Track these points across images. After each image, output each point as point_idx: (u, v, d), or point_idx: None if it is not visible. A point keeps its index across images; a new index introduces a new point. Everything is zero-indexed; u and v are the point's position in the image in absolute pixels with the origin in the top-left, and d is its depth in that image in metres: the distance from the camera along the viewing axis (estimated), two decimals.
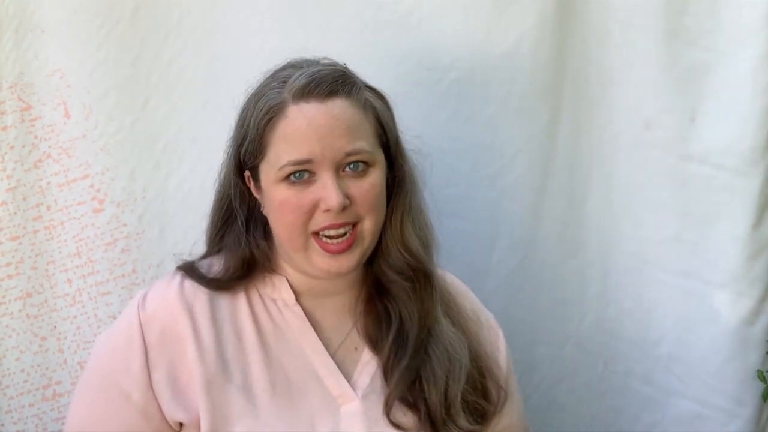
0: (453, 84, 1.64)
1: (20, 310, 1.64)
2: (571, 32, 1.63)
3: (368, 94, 1.29)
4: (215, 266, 1.34)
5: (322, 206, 1.23)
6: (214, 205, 1.39)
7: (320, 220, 1.24)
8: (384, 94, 1.33)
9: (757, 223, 1.61)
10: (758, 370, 1.64)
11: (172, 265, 1.62)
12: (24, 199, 1.63)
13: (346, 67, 1.31)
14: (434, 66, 1.63)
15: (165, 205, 1.67)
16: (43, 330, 1.65)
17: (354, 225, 1.26)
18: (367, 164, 1.25)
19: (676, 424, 1.70)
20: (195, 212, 1.65)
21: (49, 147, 1.64)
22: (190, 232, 1.64)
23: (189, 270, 1.34)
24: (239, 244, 1.32)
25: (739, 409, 1.66)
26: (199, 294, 1.30)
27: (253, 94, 1.30)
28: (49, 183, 1.64)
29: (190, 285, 1.31)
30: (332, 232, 1.25)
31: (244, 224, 1.32)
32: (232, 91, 1.63)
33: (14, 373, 1.65)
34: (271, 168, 1.25)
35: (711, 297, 1.65)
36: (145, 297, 1.32)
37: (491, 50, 1.63)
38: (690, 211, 1.65)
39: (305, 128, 1.22)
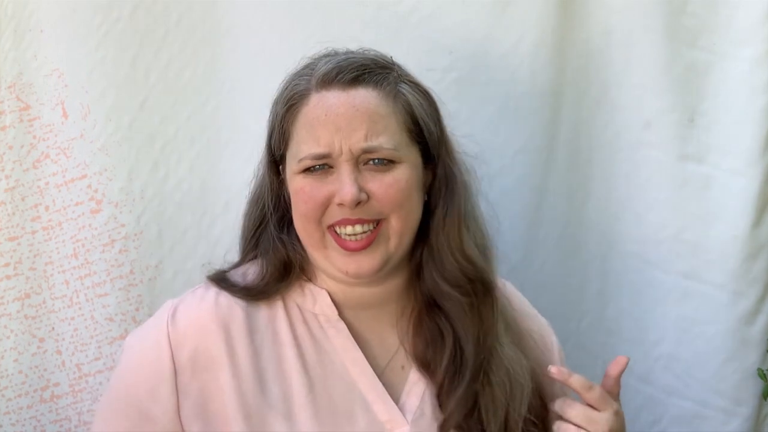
0: (453, 84, 1.64)
1: (18, 311, 1.64)
2: (570, 33, 1.63)
3: (404, 87, 1.21)
4: (251, 274, 1.27)
5: (336, 199, 1.16)
6: (249, 206, 1.32)
7: (335, 214, 1.17)
8: (427, 90, 1.25)
9: (756, 222, 1.62)
10: (758, 369, 1.64)
11: (170, 267, 1.65)
12: (22, 200, 1.63)
13: (391, 60, 1.24)
14: (434, 66, 1.62)
15: (163, 205, 1.66)
16: (41, 331, 1.65)
17: (378, 223, 1.18)
18: (391, 160, 1.18)
19: (675, 424, 1.71)
20: (193, 213, 1.66)
21: (48, 147, 1.63)
22: (189, 232, 1.65)
23: (221, 281, 1.25)
24: (276, 245, 1.24)
25: (738, 408, 1.67)
26: (235, 309, 1.21)
27: (285, 81, 1.25)
28: (47, 183, 1.64)
29: (225, 300, 1.22)
30: (349, 230, 1.18)
31: (277, 225, 1.25)
32: (232, 91, 1.66)
33: (12, 375, 1.64)
34: (292, 158, 1.20)
35: (710, 297, 1.65)
36: (175, 312, 1.22)
37: (491, 51, 1.63)
38: (689, 211, 1.65)
39: (324, 118, 1.16)
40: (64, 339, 1.66)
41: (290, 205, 1.24)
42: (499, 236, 1.68)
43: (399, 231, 1.19)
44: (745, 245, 1.62)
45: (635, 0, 1.60)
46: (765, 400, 1.65)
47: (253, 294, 1.23)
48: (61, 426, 1.67)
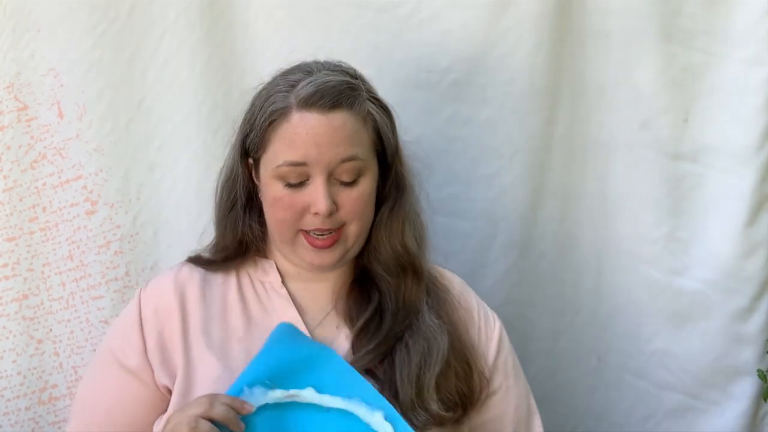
0: (452, 86, 1.65)
1: (16, 312, 1.63)
2: (568, 34, 1.65)
3: (371, 106, 1.35)
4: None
5: (312, 210, 1.29)
6: (220, 189, 1.43)
7: (309, 222, 1.31)
8: (387, 105, 1.39)
9: (750, 221, 1.64)
10: (758, 369, 1.66)
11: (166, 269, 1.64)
12: (20, 200, 1.62)
13: (355, 74, 1.36)
14: (433, 68, 1.65)
15: (159, 206, 1.66)
16: (39, 332, 1.64)
17: (341, 227, 1.33)
18: (359, 174, 1.32)
19: (669, 418, 1.73)
20: (189, 214, 1.66)
21: (45, 147, 1.63)
22: (185, 234, 1.65)
23: (192, 258, 1.43)
24: (236, 227, 1.39)
25: (732, 404, 1.69)
26: (194, 275, 1.40)
27: (262, 91, 1.36)
28: (44, 184, 1.63)
29: (187, 269, 1.41)
30: (317, 231, 1.32)
31: (243, 208, 1.39)
32: (228, 92, 1.66)
33: (11, 376, 1.63)
34: (269, 163, 1.32)
35: (704, 294, 1.68)
36: (147, 283, 1.43)
37: (489, 52, 1.64)
38: (683, 210, 1.68)
39: (304, 135, 1.29)
40: (61, 341, 1.65)
41: (253, 191, 1.39)
42: (497, 235, 1.73)
43: (356, 234, 1.34)
44: (738, 243, 1.65)
45: (632, 2, 1.62)
46: (765, 401, 1.67)
47: (213, 266, 1.41)
48: (60, 428, 1.66)
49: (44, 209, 1.63)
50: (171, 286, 1.38)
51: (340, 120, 1.29)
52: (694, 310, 1.69)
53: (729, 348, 1.68)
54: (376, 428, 1.21)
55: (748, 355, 1.68)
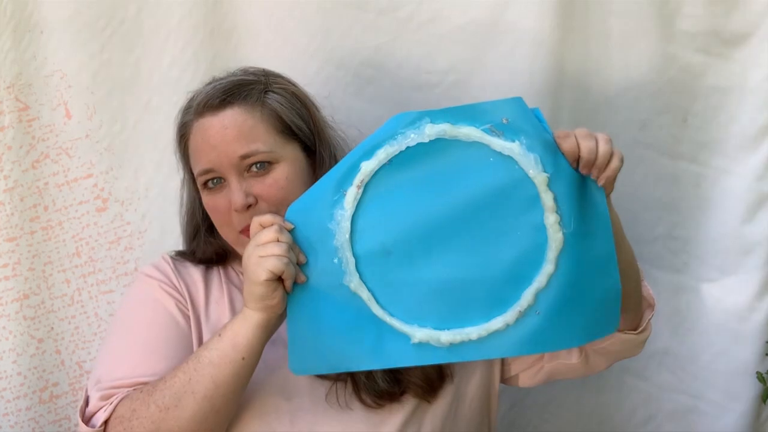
0: (451, 87, 1.65)
1: (17, 312, 1.64)
2: (569, 35, 1.64)
3: (270, 96, 1.35)
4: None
5: (231, 206, 1.31)
6: (182, 218, 1.47)
7: (238, 221, 1.32)
8: (295, 92, 1.39)
9: (747, 220, 1.64)
10: (758, 372, 1.66)
11: None
12: (21, 200, 1.63)
13: (258, 73, 1.39)
14: (433, 69, 1.65)
15: (165, 204, 1.68)
16: (39, 332, 1.65)
17: None
18: (270, 162, 1.32)
19: (670, 419, 1.73)
20: None
21: (47, 147, 1.64)
22: None
23: (178, 253, 1.46)
24: (207, 246, 1.43)
25: (732, 404, 1.69)
26: (185, 264, 1.43)
27: (177, 116, 1.41)
28: (47, 183, 1.64)
29: (177, 261, 1.44)
30: None
31: (208, 229, 1.42)
32: None
33: (11, 376, 1.64)
34: (196, 177, 1.37)
35: (703, 293, 1.68)
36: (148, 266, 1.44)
37: (490, 53, 1.64)
38: (682, 209, 1.68)
39: (201, 141, 1.33)
40: (63, 338, 1.66)
41: None
42: None
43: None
44: (736, 242, 1.65)
45: (633, 3, 1.62)
46: (765, 402, 1.67)
47: (200, 261, 1.43)
48: (60, 425, 1.67)
49: (46, 208, 1.64)
50: (166, 263, 1.42)
51: (230, 118, 1.32)
52: (694, 309, 1.69)
53: (728, 347, 1.68)
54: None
55: (748, 354, 1.68)
